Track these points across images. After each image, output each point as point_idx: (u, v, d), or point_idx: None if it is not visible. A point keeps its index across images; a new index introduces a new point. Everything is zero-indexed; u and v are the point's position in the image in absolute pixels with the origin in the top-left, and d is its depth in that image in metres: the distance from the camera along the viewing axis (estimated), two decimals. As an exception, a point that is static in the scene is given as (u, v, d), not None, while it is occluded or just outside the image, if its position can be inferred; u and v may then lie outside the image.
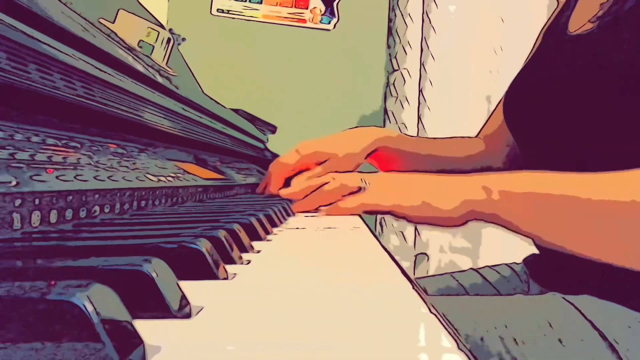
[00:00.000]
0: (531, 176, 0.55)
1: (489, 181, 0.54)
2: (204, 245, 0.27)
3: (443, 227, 0.57)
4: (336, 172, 0.70)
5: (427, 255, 1.89)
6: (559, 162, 0.64)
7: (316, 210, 0.67)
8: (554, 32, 0.72)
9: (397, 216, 0.58)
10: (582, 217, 0.49)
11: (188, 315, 0.20)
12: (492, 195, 0.53)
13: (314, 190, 0.66)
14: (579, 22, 0.64)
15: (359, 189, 0.61)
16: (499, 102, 0.85)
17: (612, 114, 0.56)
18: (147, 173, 0.58)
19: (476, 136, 0.92)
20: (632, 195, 0.46)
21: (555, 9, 0.77)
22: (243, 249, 0.35)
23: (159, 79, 0.78)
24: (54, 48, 0.47)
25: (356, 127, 0.90)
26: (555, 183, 0.51)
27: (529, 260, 0.76)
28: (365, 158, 0.81)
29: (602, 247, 0.49)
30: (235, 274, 0.28)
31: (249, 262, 0.32)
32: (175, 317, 0.20)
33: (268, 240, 0.42)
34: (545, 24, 0.78)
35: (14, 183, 0.33)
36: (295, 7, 2.00)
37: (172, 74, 0.98)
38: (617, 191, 0.47)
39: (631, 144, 0.55)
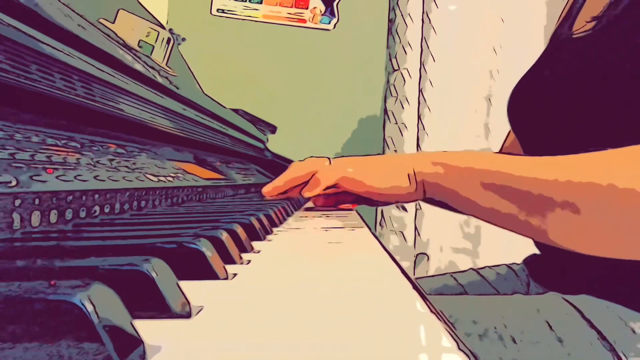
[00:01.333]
0: (478, 154, 0.59)
1: (436, 156, 0.60)
2: (204, 245, 0.27)
3: (403, 202, 0.64)
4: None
5: (427, 255, 1.89)
6: None
7: (285, 193, 0.71)
8: (558, 34, 0.72)
9: (361, 193, 0.65)
10: (508, 192, 0.50)
11: (188, 315, 0.20)
12: (436, 167, 0.59)
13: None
14: (581, 24, 0.65)
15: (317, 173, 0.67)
16: None
17: (612, 115, 0.56)
18: (147, 173, 0.58)
19: (499, 151, 0.92)
20: (568, 176, 0.46)
21: (562, 11, 0.77)
22: (243, 249, 0.35)
23: (159, 79, 0.78)
24: (54, 48, 0.47)
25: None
26: (498, 160, 0.54)
27: (528, 261, 0.76)
28: None
29: (524, 223, 0.49)
30: (235, 274, 0.28)
31: (249, 262, 0.32)
32: (175, 317, 0.20)
33: (268, 240, 0.42)
34: (555, 26, 0.79)
35: (14, 183, 0.33)
36: (295, 7, 2.00)
37: (172, 74, 0.98)
38: (550, 170, 0.47)
39: (629, 144, 0.55)
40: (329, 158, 0.71)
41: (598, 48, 0.58)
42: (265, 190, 0.71)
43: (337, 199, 0.74)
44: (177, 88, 0.85)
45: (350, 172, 0.65)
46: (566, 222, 0.45)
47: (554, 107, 0.63)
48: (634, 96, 0.53)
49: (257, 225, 0.42)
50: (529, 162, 0.50)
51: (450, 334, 0.18)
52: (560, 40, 0.70)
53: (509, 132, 0.89)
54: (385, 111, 1.97)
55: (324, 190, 0.67)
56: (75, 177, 0.42)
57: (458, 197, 0.56)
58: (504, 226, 0.53)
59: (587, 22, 0.61)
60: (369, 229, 0.51)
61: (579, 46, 0.62)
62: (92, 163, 0.47)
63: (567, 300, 0.55)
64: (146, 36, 0.97)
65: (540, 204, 0.47)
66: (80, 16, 0.59)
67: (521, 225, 0.51)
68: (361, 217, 0.63)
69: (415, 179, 0.60)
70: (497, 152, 0.57)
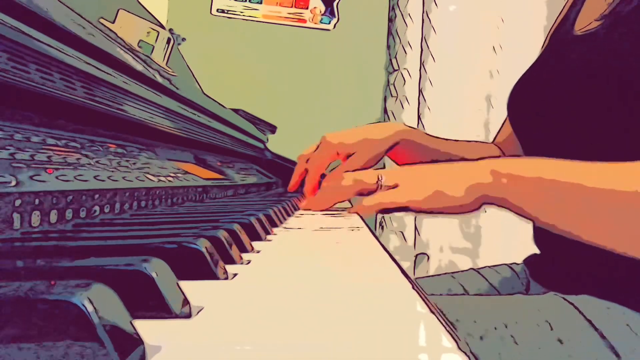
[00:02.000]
0: (539, 161, 0.55)
1: (497, 165, 0.55)
2: (204, 245, 0.27)
3: (459, 215, 0.58)
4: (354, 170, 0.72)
5: (427, 255, 1.89)
6: None
7: (331, 208, 0.68)
8: (560, 32, 0.72)
9: (414, 210, 0.59)
10: (587, 204, 0.49)
11: (188, 315, 0.20)
12: (500, 179, 0.53)
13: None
14: (585, 22, 0.64)
15: (377, 187, 0.62)
16: None
17: (614, 114, 0.56)
18: (147, 173, 0.58)
19: (492, 142, 0.92)
20: (635, 186, 0.46)
21: (562, 10, 0.77)
22: (243, 249, 0.35)
23: (159, 79, 0.78)
24: (54, 48, 0.46)
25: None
26: (563, 169, 0.52)
27: (529, 261, 0.76)
28: (387, 151, 0.81)
29: (605, 234, 0.49)
30: (235, 274, 0.28)
31: (249, 262, 0.32)
32: (175, 317, 0.20)
33: (268, 240, 0.42)
34: (553, 25, 0.79)
35: (14, 183, 0.33)
36: (295, 7, 2.00)
37: (172, 74, 0.98)
38: (621, 181, 0.48)
39: (631, 143, 0.55)
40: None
41: (605, 45, 0.58)
42: (310, 204, 0.70)
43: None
44: (177, 88, 0.85)
45: (400, 194, 0.59)
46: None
47: (556, 104, 0.63)
48: None
49: (257, 225, 0.42)
50: (594, 170, 0.50)
51: (450, 334, 0.18)
52: (562, 39, 0.70)
53: (503, 123, 0.89)
54: (385, 111, 1.97)
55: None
56: (75, 177, 0.42)
57: (525, 212, 0.53)
58: (575, 236, 0.51)
59: (596, 19, 0.60)
60: (369, 229, 0.51)
61: (584, 44, 0.62)
62: (92, 163, 0.47)
63: (567, 301, 0.55)
64: (146, 36, 0.97)
65: (612, 215, 0.48)
66: (80, 16, 0.59)
67: (595, 236, 0.50)
68: (361, 217, 0.63)
69: (476, 193, 0.55)
70: (559, 160, 0.54)
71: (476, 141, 0.94)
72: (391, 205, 0.59)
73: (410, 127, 0.88)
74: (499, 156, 0.83)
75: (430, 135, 0.86)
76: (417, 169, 0.64)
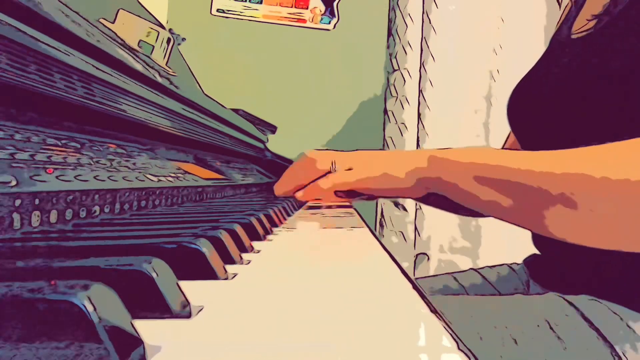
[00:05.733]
0: (480, 149, 0.58)
1: (437, 152, 0.60)
2: (204, 245, 0.27)
3: (403, 197, 0.65)
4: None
5: (427, 255, 1.89)
6: None
7: (289, 192, 0.73)
8: (558, 35, 0.72)
9: (361, 191, 0.66)
10: (508, 186, 0.50)
11: (188, 315, 0.20)
12: (436, 162, 0.59)
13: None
14: (580, 25, 0.65)
15: (331, 171, 0.68)
16: None
17: (610, 115, 0.56)
18: (147, 173, 0.58)
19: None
20: (566, 168, 0.46)
21: (562, 13, 0.77)
22: (243, 249, 0.35)
23: (159, 79, 0.78)
24: (54, 48, 0.47)
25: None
26: (500, 155, 0.54)
27: (529, 261, 0.76)
28: None
29: (526, 216, 0.50)
30: (235, 274, 0.28)
31: (249, 262, 0.32)
32: (175, 317, 0.20)
33: (268, 240, 0.42)
34: (555, 29, 0.79)
35: (14, 183, 0.33)
36: (295, 7, 2.00)
37: (172, 74, 0.98)
38: (552, 163, 0.47)
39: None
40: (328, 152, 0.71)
41: (597, 48, 0.58)
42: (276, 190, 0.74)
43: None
44: (177, 88, 0.85)
45: (351, 174, 0.65)
46: (564, 215, 0.46)
47: (553, 107, 0.63)
48: (633, 95, 0.53)
49: (257, 225, 0.42)
50: (527, 156, 0.51)
51: (451, 334, 0.18)
52: (559, 41, 0.70)
53: (510, 133, 0.89)
54: (385, 111, 1.97)
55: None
56: (75, 177, 0.42)
57: (458, 190, 0.56)
58: (504, 219, 0.53)
59: (588, 20, 0.61)
60: (369, 229, 0.51)
61: (578, 46, 0.62)
62: (92, 163, 0.47)
63: (567, 301, 0.55)
64: (146, 36, 0.97)
65: (538, 197, 0.47)
66: (81, 16, 0.59)
67: (521, 218, 0.51)
68: (361, 217, 0.63)
69: (416, 176, 0.61)
70: (497, 149, 0.58)
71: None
72: (343, 185, 0.66)
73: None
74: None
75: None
76: (368, 153, 0.69)
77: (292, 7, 2.00)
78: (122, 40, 0.76)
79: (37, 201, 0.36)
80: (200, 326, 0.19)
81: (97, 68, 0.55)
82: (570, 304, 0.54)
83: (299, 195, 0.70)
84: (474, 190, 0.54)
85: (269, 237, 0.43)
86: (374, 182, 0.64)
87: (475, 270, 0.82)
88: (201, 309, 0.21)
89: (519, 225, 0.52)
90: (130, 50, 0.76)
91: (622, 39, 0.54)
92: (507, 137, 0.92)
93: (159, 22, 1.07)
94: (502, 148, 0.93)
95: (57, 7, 0.53)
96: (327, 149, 0.86)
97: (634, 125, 0.54)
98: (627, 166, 0.43)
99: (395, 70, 1.95)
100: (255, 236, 0.40)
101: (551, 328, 0.51)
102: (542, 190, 0.47)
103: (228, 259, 0.30)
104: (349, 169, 0.66)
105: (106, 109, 0.56)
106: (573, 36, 0.66)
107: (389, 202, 1.91)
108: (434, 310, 0.21)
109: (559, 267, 0.66)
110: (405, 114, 1.92)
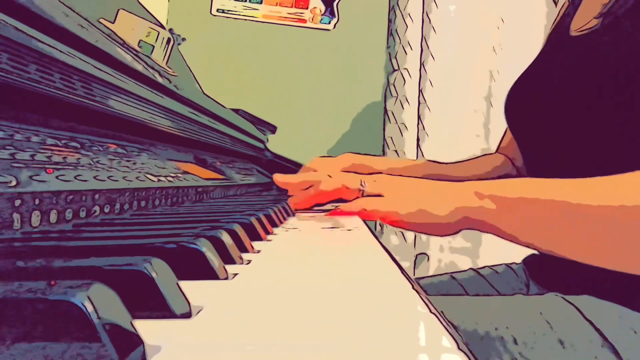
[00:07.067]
0: (522, 182, 0.55)
1: (481, 187, 0.54)
2: (204, 245, 0.27)
3: (437, 235, 0.57)
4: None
5: (427, 255, 1.89)
6: (557, 162, 0.64)
7: (311, 209, 0.67)
8: (556, 34, 0.72)
9: (391, 224, 0.57)
10: (570, 221, 0.48)
11: (188, 315, 0.20)
12: (483, 201, 0.53)
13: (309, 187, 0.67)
14: (580, 23, 0.65)
15: (359, 193, 0.61)
16: None
17: (610, 115, 0.56)
18: (147, 173, 0.58)
19: (496, 151, 0.93)
20: (621, 200, 0.45)
21: (559, 12, 0.77)
22: (243, 249, 0.35)
23: (159, 79, 0.78)
24: (54, 48, 0.46)
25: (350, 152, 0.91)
26: (545, 188, 0.51)
27: (528, 261, 0.76)
28: None
29: (591, 251, 0.48)
30: (235, 274, 0.28)
31: (249, 262, 0.32)
32: (175, 317, 0.20)
33: (268, 240, 0.42)
34: (551, 27, 0.79)
35: (14, 183, 0.33)
36: (295, 7, 2.00)
37: (172, 74, 0.98)
38: (606, 195, 0.46)
39: (627, 143, 0.55)
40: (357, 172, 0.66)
41: (600, 46, 0.58)
42: (292, 202, 0.67)
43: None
44: (177, 88, 0.85)
45: (382, 204, 0.58)
46: (628, 246, 0.46)
47: (552, 106, 0.63)
48: (635, 93, 0.53)
49: (257, 225, 0.42)
50: (584, 186, 0.49)
51: (450, 334, 0.18)
52: (558, 40, 0.70)
53: (506, 130, 0.89)
54: (385, 111, 1.97)
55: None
56: (75, 177, 0.42)
57: (511, 234, 0.52)
58: (562, 255, 0.51)
59: (595, 18, 0.61)
60: (369, 229, 0.51)
61: (579, 45, 0.62)
62: (92, 163, 0.47)
63: (568, 301, 0.55)
64: (146, 36, 0.97)
65: (595, 232, 0.47)
66: (80, 16, 0.59)
67: (585, 253, 0.49)
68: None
69: (457, 212, 0.54)
70: (538, 179, 0.53)
71: (479, 156, 0.94)
72: (374, 213, 0.57)
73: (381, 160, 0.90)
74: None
75: (408, 162, 0.88)
76: (399, 181, 0.62)
77: (292, 7, 2.00)
78: (122, 40, 0.76)
79: (37, 201, 0.36)
80: (200, 326, 0.19)
81: (97, 68, 0.55)
82: (571, 304, 0.54)
83: (324, 215, 0.64)
84: (525, 236, 0.52)
85: (269, 237, 0.43)
86: (407, 217, 0.56)
87: (475, 270, 0.82)
88: (201, 309, 0.21)
89: (574, 260, 0.50)
90: (131, 50, 0.76)
91: (628, 37, 0.54)
92: (504, 135, 0.92)
93: (159, 22, 1.07)
94: (499, 146, 0.93)
95: (57, 7, 0.53)
96: (329, 156, 0.86)
97: (636, 122, 0.54)
98: None
99: (395, 70, 1.95)
100: (255, 236, 0.40)
101: (552, 328, 0.51)
102: (605, 225, 0.46)
103: (228, 259, 0.30)
104: (378, 194, 0.60)
105: (106, 108, 0.56)
106: (573, 34, 0.66)
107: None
108: (433, 311, 0.21)
109: (558, 267, 0.66)
110: (405, 114, 1.92)
